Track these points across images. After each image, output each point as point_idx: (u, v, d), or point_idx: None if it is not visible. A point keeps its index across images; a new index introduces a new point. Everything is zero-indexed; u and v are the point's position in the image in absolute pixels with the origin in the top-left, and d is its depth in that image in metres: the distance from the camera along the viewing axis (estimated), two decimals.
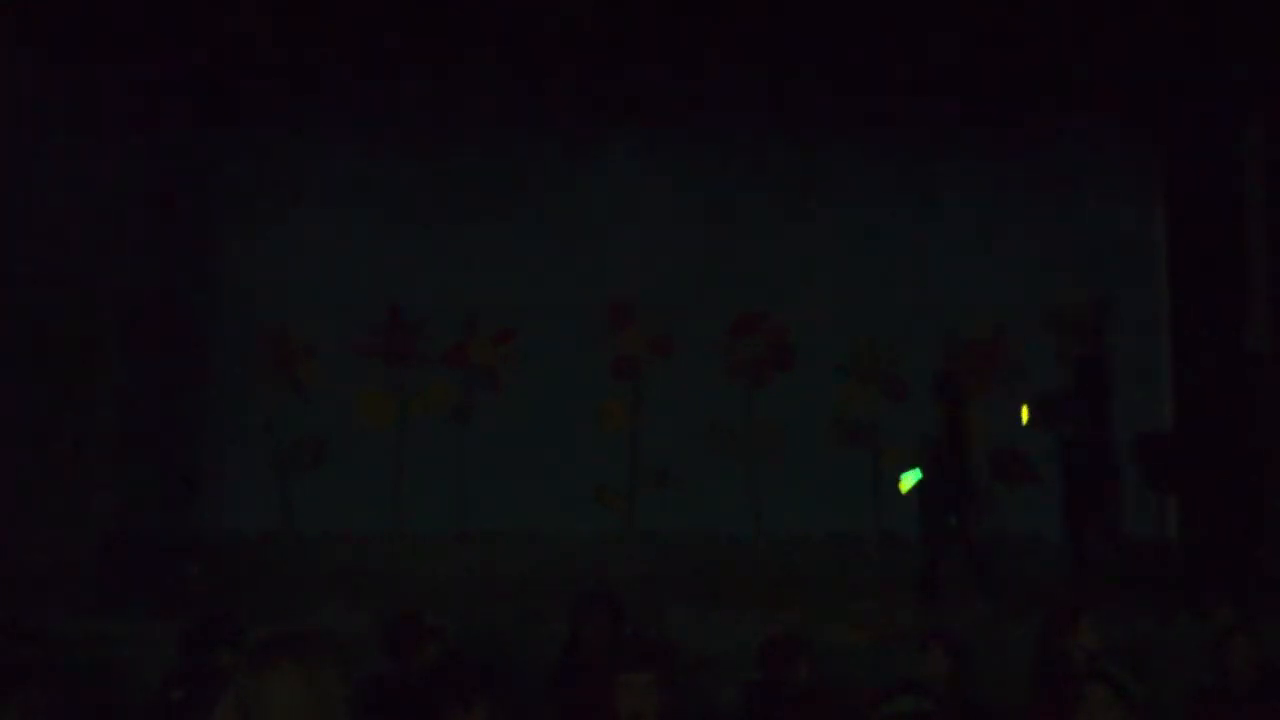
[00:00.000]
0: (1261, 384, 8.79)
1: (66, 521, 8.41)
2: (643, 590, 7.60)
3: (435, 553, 9.46)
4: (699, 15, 8.81)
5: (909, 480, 8.01)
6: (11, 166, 8.04)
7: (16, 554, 7.50)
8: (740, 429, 9.61)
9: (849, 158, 9.96)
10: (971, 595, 7.68)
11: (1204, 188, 9.48)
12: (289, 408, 9.81)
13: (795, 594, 7.68)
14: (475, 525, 9.57)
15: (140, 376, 9.45)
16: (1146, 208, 9.98)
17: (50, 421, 8.36)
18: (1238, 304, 9.28)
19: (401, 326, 9.93)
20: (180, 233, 9.76)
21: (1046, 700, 6.01)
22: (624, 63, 9.40)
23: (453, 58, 9.28)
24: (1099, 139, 10.00)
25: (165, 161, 9.70)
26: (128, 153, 9.40)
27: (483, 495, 9.61)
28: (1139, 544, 8.97)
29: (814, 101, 9.75)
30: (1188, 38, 8.79)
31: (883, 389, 9.78)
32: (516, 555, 9.37)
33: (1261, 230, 9.24)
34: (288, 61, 9.47)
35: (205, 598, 7.68)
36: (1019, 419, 9.63)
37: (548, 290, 9.74)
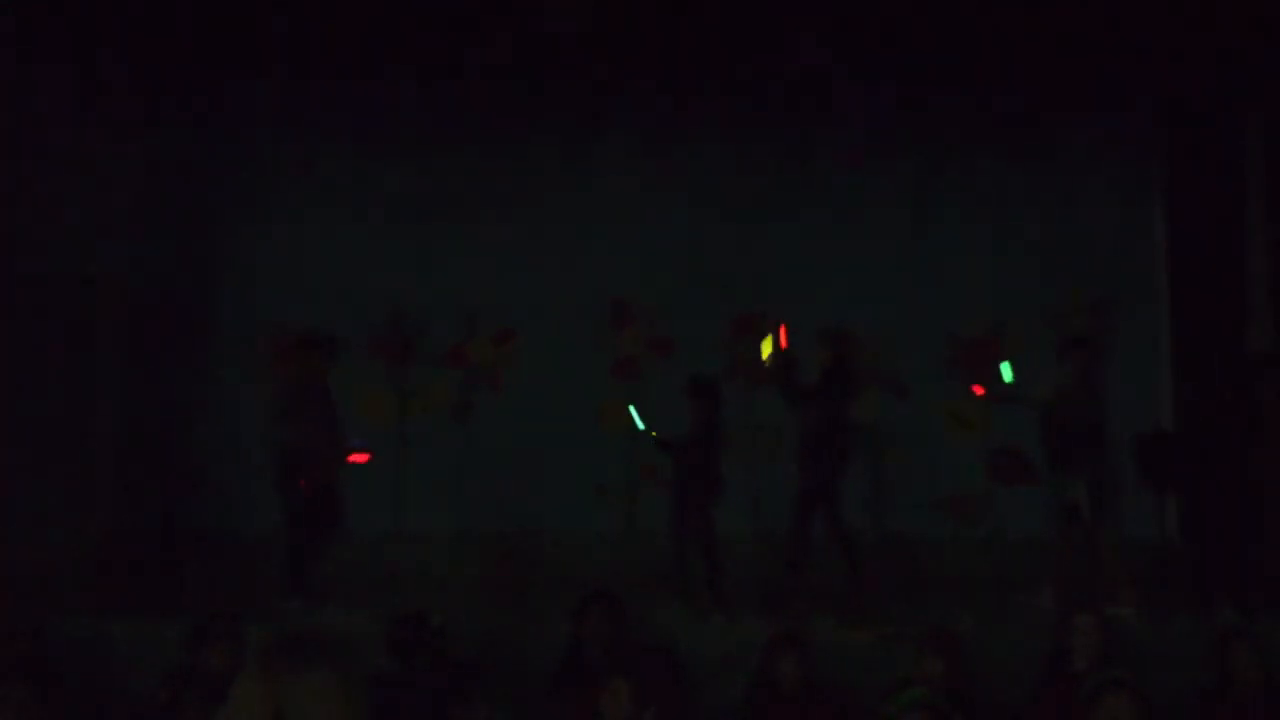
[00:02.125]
0: (1262, 384, 8.78)
1: (66, 521, 8.41)
2: (643, 590, 7.58)
3: (435, 553, 9.45)
4: (698, 15, 8.82)
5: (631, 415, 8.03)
6: (11, 165, 8.04)
7: (16, 554, 7.49)
8: (740, 429, 9.58)
9: (849, 157, 9.95)
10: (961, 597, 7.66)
11: (1204, 188, 9.47)
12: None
13: (796, 594, 7.66)
14: (475, 525, 9.56)
15: (140, 376, 9.45)
16: (1146, 208, 9.97)
17: (50, 421, 8.35)
18: (1238, 304, 9.28)
19: (401, 326, 9.93)
20: (181, 233, 9.75)
21: (1048, 700, 6.02)
22: (624, 63, 9.41)
23: (452, 58, 9.29)
24: (1099, 139, 9.99)
25: (165, 162, 9.70)
26: (128, 153, 9.41)
27: (483, 495, 9.60)
28: (1139, 544, 8.96)
29: (813, 101, 9.76)
30: (1188, 38, 8.79)
31: (883, 389, 9.77)
32: (516, 555, 9.36)
33: (1261, 230, 9.25)
34: (287, 62, 9.49)
35: (205, 598, 7.66)
36: (1017, 419, 9.62)
37: (548, 290, 9.74)
